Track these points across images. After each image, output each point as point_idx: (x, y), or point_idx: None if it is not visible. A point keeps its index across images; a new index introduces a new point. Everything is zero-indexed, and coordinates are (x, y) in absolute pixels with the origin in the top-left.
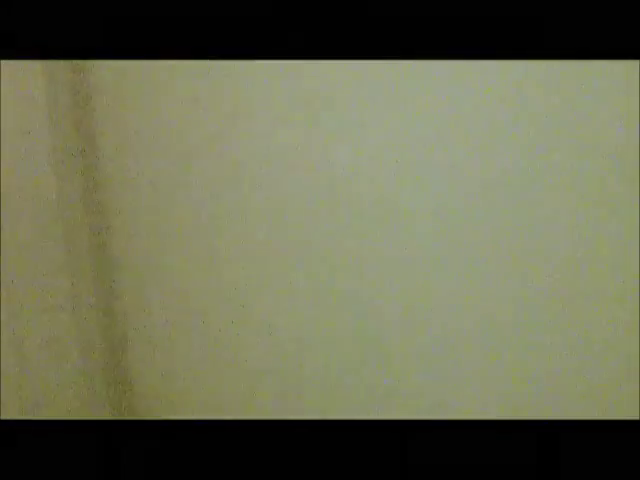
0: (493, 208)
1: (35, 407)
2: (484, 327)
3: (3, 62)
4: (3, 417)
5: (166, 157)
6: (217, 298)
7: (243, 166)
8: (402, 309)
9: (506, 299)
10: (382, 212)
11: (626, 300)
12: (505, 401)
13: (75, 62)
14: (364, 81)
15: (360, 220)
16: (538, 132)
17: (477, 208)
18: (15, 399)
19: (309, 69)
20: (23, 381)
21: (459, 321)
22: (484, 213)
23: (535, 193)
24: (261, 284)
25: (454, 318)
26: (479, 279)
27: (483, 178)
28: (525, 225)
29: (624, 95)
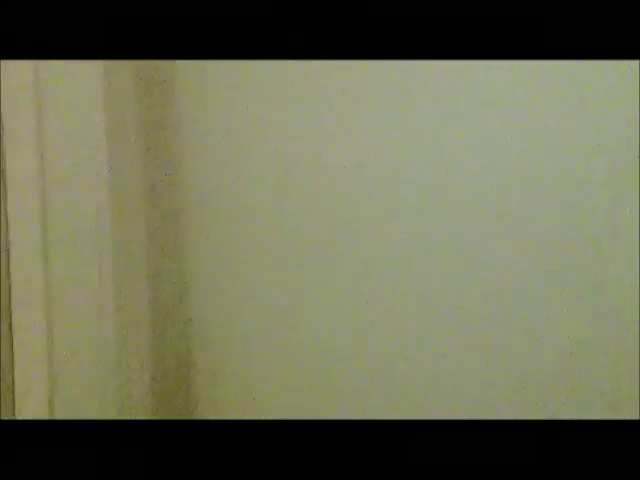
0: (494, 210)
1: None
2: (484, 327)
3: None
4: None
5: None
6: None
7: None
8: (402, 307)
9: (507, 300)
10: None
11: (626, 300)
12: (505, 401)
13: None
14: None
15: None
16: (537, 132)
17: (479, 210)
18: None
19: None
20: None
21: (460, 320)
22: (486, 214)
23: (536, 194)
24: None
25: (455, 317)
26: (481, 279)
27: (483, 180)
28: (528, 227)
29: (624, 95)
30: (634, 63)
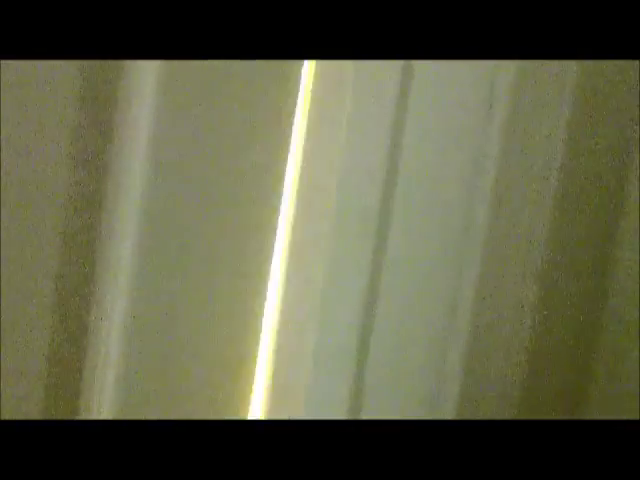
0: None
1: None
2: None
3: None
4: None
5: None
6: None
7: None
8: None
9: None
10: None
11: (625, 300)
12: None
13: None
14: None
15: None
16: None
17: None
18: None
19: None
20: None
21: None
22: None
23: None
24: None
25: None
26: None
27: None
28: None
29: (624, 95)
30: (634, 63)
